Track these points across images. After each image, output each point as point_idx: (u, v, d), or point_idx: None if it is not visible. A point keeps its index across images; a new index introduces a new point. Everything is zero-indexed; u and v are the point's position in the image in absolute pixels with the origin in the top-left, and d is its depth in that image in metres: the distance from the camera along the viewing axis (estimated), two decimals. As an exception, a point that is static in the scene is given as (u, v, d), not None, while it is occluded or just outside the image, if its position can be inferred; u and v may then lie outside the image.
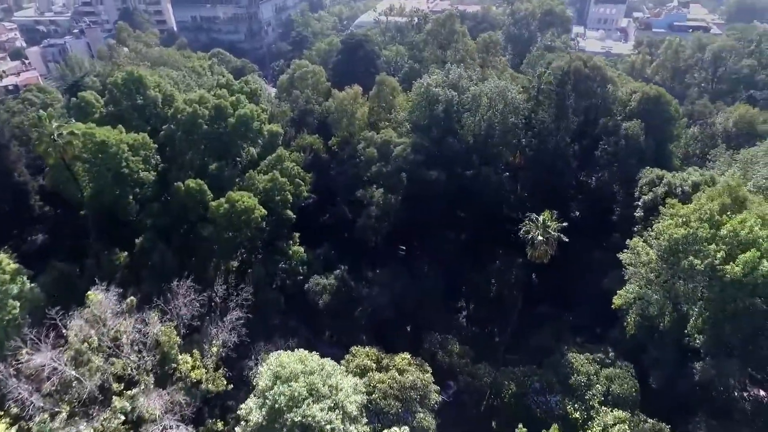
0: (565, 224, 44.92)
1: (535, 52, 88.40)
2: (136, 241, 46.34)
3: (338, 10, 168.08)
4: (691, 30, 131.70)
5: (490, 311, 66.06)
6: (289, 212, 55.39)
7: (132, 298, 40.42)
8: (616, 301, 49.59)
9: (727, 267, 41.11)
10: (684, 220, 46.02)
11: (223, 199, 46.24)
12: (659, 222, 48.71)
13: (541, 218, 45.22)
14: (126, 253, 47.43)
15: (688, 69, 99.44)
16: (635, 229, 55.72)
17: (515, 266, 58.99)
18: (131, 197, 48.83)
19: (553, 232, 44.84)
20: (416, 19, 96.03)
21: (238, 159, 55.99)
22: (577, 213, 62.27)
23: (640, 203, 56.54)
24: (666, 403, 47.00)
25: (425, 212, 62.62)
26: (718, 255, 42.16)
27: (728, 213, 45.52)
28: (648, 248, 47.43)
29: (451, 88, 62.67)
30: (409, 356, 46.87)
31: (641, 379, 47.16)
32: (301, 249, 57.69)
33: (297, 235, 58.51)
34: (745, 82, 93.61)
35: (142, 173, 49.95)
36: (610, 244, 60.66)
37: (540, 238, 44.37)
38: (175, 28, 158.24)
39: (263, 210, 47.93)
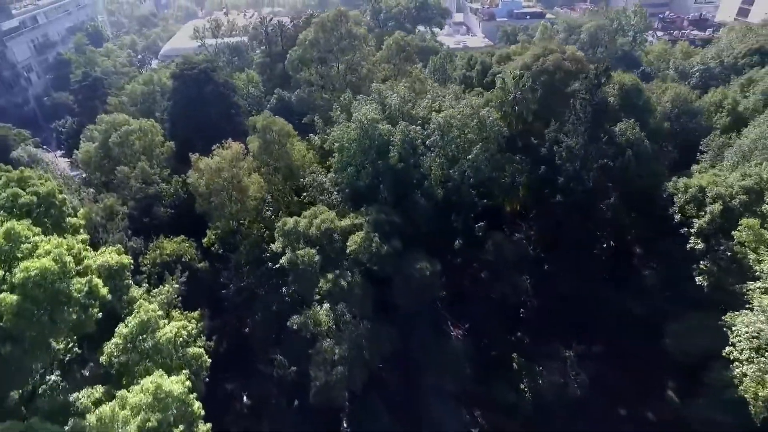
0: None
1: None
2: None
3: (130, 41, 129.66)
4: (528, 17, 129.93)
5: None
6: (202, 427, 26.77)
7: None
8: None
9: None
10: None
11: None
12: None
13: None
14: None
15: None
16: (700, 266, 40.54)
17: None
18: None
19: None
20: (266, 32, 70.10)
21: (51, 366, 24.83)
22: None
23: (693, 230, 41.47)
24: None
25: (412, 326, 39.12)
26: None
27: None
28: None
29: (403, 119, 39.92)
30: None
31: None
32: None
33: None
34: (626, 59, 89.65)
35: None
36: (650, 292, 45.30)
37: None
38: None
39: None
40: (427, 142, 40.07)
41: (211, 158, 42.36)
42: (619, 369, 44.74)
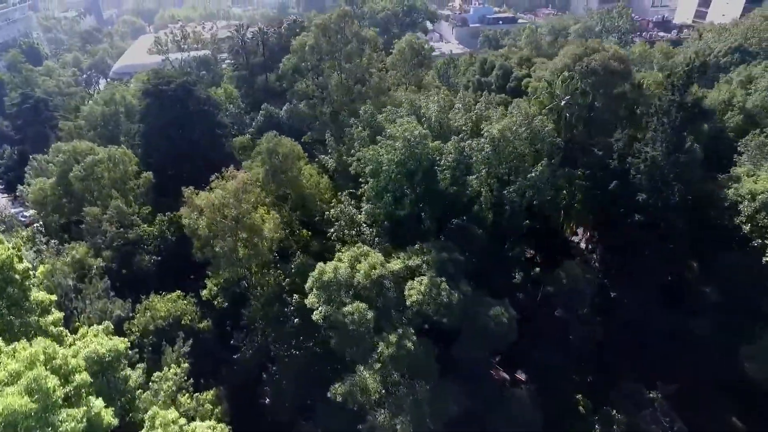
0: None
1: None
2: None
3: (73, 58, 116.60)
4: (501, 22, 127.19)
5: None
6: None
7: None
8: None
9: None
10: None
11: None
12: None
13: None
14: None
15: (555, 53, 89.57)
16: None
17: None
18: None
19: None
20: (243, 41, 61.84)
21: None
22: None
23: (772, 241, 36.74)
24: None
25: (470, 378, 32.12)
26: None
27: None
28: None
29: (441, 132, 33.21)
30: None
31: None
32: None
33: None
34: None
35: None
36: (721, 312, 40.23)
37: None
38: None
39: None
40: (477, 158, 33.46)
41: (210, 191, 34.01)
42: (697, 402, 39.41)
